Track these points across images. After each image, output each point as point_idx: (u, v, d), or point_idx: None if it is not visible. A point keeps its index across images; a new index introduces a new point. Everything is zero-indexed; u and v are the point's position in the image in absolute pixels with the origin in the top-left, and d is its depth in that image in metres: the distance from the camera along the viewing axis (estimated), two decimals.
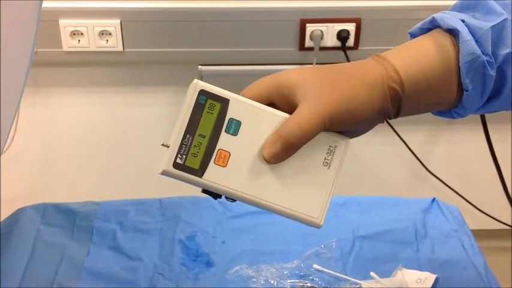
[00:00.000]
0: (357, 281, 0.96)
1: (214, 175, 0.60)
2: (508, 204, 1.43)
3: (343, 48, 1.39)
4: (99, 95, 1.50)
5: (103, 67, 1.46)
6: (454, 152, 1.62)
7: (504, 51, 0.62)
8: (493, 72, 0.62)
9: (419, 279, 0.96)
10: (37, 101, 1.49)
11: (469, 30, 0.62)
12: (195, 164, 0.60)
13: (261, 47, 1.41)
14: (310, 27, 1.37)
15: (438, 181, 1.60)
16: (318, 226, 0.62)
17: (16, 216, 1.07)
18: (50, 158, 1.57)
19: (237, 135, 0.61)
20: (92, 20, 1.35)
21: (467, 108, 0.64)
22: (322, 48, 1.39)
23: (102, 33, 1.37)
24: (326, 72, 0.62)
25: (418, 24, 0.67)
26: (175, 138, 0.59)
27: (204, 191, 0.62)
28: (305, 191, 0.62)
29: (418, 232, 1.06)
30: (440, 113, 0.67)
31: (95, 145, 1.56)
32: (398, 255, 1.02)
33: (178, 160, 0.59)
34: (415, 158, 1.57)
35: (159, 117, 1.51)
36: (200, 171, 0.60)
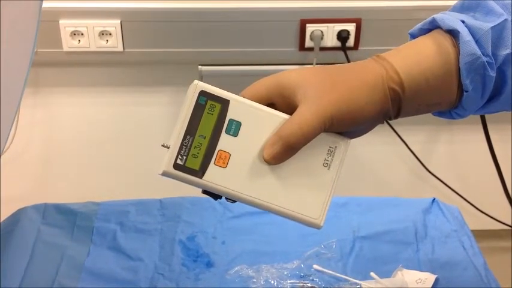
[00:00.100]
0: (357, 281, 0.96)
1: (214, 176, 0.60)
2: (508, 205, 1.43)
3: (344, 48, 1.39)
4: (100, 95, 1.50)
5: (103, 67, 1.46)
6: (454, 152, 1.62)
7: (504, 52, 0.62)
8: (493, 73, 0.62)
9: (420, 279, 0.96)
10: (37, 101, 1.49)
11: (469, 30, 0.62)
12: (196, 165, 0.60)
13: (261, 47, 1.41)
14: (310, 28, 1.37)
15: (438, 181, 1.59)
16: (318, 227, 0.62)
17: (16, 217, 1.07)
18: (50, 158, 1.57)
19: (237, 136, 0.61)
20: (92, 20, 1.35)
21: (467, 109, 0.64)
22: (322, 49, 1.39)
23: (102, 34, 1.37)
24: (326, 72, 0.62)
25: (418, 25, 0.67)
26: (175, 139, 0.60)
27: (204, 191, 0.62)
28: (305, 192, 0.62)
29: (418, 232, 1.06)
30: (440, 114, 0.67)
31: (95, 145, 1.56)
32: (399, 255, 1.02)
33: (178, 161, 0.59)
34: (415, 159, 1.56)
35: (160, 117, 1.51)
36: (200, 172, 0.60)
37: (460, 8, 0.66)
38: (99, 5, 1.35)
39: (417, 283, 0.95)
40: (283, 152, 0.60)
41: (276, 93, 0.62)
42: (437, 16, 0.65)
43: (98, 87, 1.49)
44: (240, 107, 0.61)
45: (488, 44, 0.62)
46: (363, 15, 1.37)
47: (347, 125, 0.61)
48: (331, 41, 1.38)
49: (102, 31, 1.36)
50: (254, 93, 0.62)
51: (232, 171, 0.60)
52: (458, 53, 0.62)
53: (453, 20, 0.63)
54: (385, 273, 0.97)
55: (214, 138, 0.60)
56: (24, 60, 0.84)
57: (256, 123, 0.61)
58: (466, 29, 0.62)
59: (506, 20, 0.63)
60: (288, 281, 0.96)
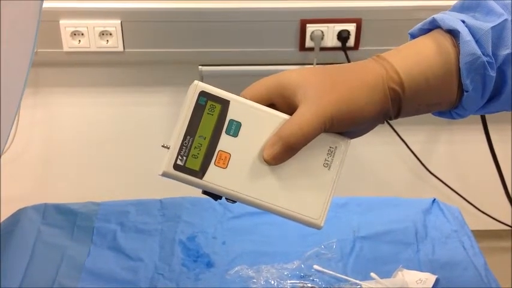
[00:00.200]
0: (357, 281, 0.96)
1: (214, 176, 0.60)
2: (508, 205, 1.43)
3: (344, 48, 1.39)
4: (100, 95, 1.50)
5: (103, 67, 1.46)
6: (454, 152, 1.62)
7: (504, 51, 0.62)
8: (493, 73, 0.62)
9: (420, 279, 0.96)
10: (37, 101, 1.49)
11: (469, 30, 0.62)
12: (196, 165, 0.60)
13: (261, 48, 1.41)
14: (310, 28, 1.37)
15: (438, 181, 1.59)
16: (318, 227, 0.62)
17: (17, 217, 1.07)
18: (50, 158, 1.57)
19: (237, 136, 0.61)
20: (93, 21, 1.35)
21: (467, 109, 0.64)
22: (323, 49, 1.39)
23: (102, 34, 1.37)
24: (326, 73, 0.62)
25: (418, 25, 0.67)
26: (175, 140, 0.59)
27: (205, 192, 0.61)
28: (305, 192, 0.62)
29: (418, 233, 1.06)
30: (440, 114, 0.67)
31: (96, 145, 1.56)
32: (399, 255, 1.02)
33: (178, 162, 0.59)
34: (415, 159, 1.56)
35: (160, 117, 1.51)
36: (200, 173, 0.60)
37: (460, 8, 0.66)
38: (100, 5, 1.35)
39: (417, 283, 0.95)
40: (283, 153, 0.60)
41: (276, 93, 0.62)
42: (438, 16, 0.65)
43: (98, 87, 1.49)
44: (240, 107, 0.61)
45: (489, 44, 0.62)
46: (363, 15, 1.37)
47: (347, 125, 0.61)
48: (331, 41, 1.38)
49: (103, 31, 1.36)
50: (254, 93, 0.62)
51: (233, 171, 0.60)
52: (458, 53, 0.62)
53: (453, 20, 0.63)
54: (386, 274, 0.97)
55: (215, 139, 0.60)
56: (24, 60, 0.84)
57: (257, 123, 0.61)
58: (466, 29, 0.62)
59: (506, 20, 0.63)
60: (288, 281, 0.96)
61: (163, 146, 0.60)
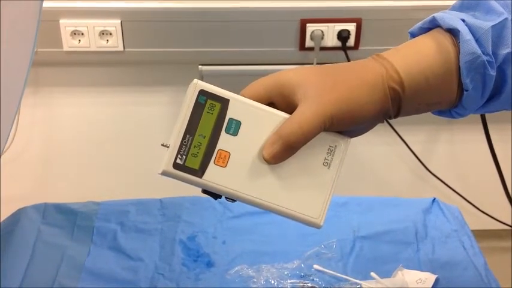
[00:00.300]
0: (357, 281, 0.96)
1: (214, 175, 0.60)
2: (509, 205, 1.43)
3: (344, 48, 1.39)
4: (100, 95, 1.50)
5: (103, 67, 1.46)
6: (454, 152, 1.62)
7: (504, 51, 0.62)
8: (493, 72, 0.62)
9: (420, 279, 0.95)
10: (37, 101, 1.49)
11: (469, 29, 0.62)
12: (195, 164, 0.60)
13: (261, 47, 1.41)
14: (310, 27, 1.37)
15: (438, 181, 1.59)
16: (318, 226, 0.62)
17: (17, 216, 1.07)
18: (50, 158, 1.57)
19: (237, 135, 0.61)
20: (93, 20, 1.35)
21: (467, 108, 0.64)
22: (323, 48, 1.39)
23: (102, 33, 1.37)
24: (326, 72, 0.62)
25: (418, 24, 0.67)
26: (175, 139, 0.59)
27: (204, 191, 0.61)
28: (305, 191, 0.62)
29: (418, 232, 1.06)
30: (440, 113, 0.67)
31: (96, 145, 1.56)
32: (399, 255, 1.02)
33: (178, 160, 0.59)
34: (415, 158, 1.56)
35: (160, 117, 1.51)
36: (200, 172, 0.60)
37: (460, 7, 0.66)
38: (100, 4, 1.35)
39: (417, 283, 0.95)
40: (283, 151, 0.60)
41: (275, 92, 0.62)
42: (438, 15, 0.65)
43: (98, 87, 1.49)
44: (240, 106, 0.61)
45: (489, 43, 0.62)
46: (363, 15, 1.37)
47: (347, 124, 0.61)
48: (331, 40, 1.38)
49: (103, 31, 1.36)
50: (254, 92, 0.62)
51: (232, 170, 0.60)
52: (458, 52, 0.62)
53: (453, 19, 0.63)
54: (386, 273, 0.97)
55: (214, 138, 0.60)
56: (24, 60, 0.84)
57: (256, 122, 0.61)
58: (466, 28, 0.62)
59: (506, 19, 0.62)
60: (289, 281, 0.96)
61: (162, 145, 0.60)
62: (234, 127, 0.61)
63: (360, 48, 1.40)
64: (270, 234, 1.06)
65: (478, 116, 1.36)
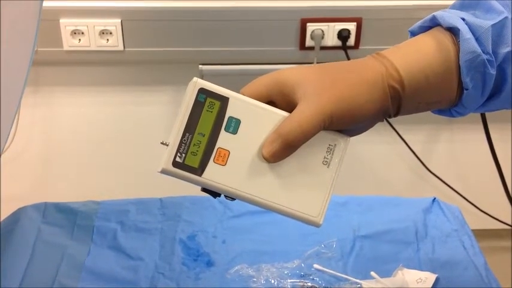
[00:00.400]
0: (358, 280, 0.96)
1: (213, 174, 0.60)
2: (509, 204, 1.43)
3: (344, 47, 1.39)
4: (100, 94, 1.50)
5: (104, 66, 1.46)
6: (454, 151, 1.62)
7: (504, 49, 0.62)
8: (493, 71, 0.62)
9: (420, 279, 0.95)
10: (38, 101, 1.49)
11: (469, 28, 0.62)
12: (195, 162, 0.60)
13: (261, 47, 1.41)
14: (310, 27, 1.37)
15: (439, 181, 1.59)
16: (317, 225, 0.62)
17: (17, 216, 1.07)
18: (50, 157, 1.57)
19: (236, 133, 0.61)
20: (93, 19, 1.35)
21: (467, 107, 0.64)
22: (323, 48, 1.39)
23: (102, 33, 1.37)
24: (326, 70, 0.62)
25: (418, 23, 0.67)
26: (174, 137, 0.59)
27: (204, 189, 0.61)
28: (304, 190, 0.62)
29: (418, 232, 1.06)
30: (440, 112, 0.67)
31: (96, 144, 1.56)
32: (399, 255, 1.02)
33: (177, 159, 0.59)
34: (415, 158, 1.56)
35: (160, 116, 1.51)
36: (199, 170, 0.60)
37: (460, 6, 0.66)
38: (100, 4, 1.35)
39: (417, 282, 0.95)
40: (282, 150, 0.60)
41: (275, 91, 0.62)
42: (438, 14, 0.65)
43: (99, 86, 1.49)
44: (240, 104, 0.61)
45: (489, 42, 0.62)
46: (363, 15, 1.37)
47: (346, 123, 0.61)
48: (331, 40, 1.38)
49: (103, 30, 1.36)
50: (253, 91, 0.62)
51: (232, 169, 0.60)
52: (458, 51, 0.62)
53: (453, 18, 0.63)
54: (386, 273, 0.97)
55: (214, 136, 0.60)
56: (24, 60, 0.84)
57: (256, 120, 0.61)
58: (466, 27, 0.62)
59: (506, 17, 0.62)
60: (289, 281, 0.96)
61: (162, 143, 0.60)
62: (234, 125, 0.61)
63: (360, 47, 1.40)
64: (270, 234, 1.06)
65: (478, 116, 1.36)
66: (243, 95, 0.62)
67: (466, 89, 0.63)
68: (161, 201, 1.13)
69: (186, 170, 0.60)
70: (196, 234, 1.06)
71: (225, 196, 0.62)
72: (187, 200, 1.13)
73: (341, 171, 0.63)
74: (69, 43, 1.37)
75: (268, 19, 1.37)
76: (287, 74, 0.62)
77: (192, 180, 0.60)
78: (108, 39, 1.37)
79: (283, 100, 0.62)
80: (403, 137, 1.51)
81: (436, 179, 1.59)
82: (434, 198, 1.13)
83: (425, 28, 0.66)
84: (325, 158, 0.62)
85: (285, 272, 0.97)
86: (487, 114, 1.35)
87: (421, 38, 0.65)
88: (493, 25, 0.62)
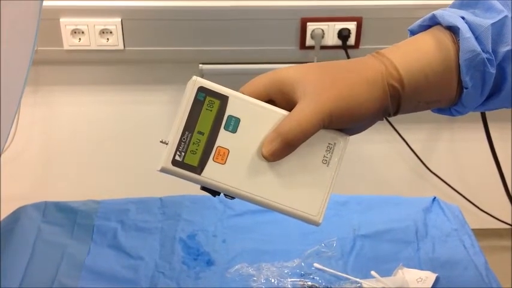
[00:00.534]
0: (358, 280, 0.96)
1: (213, 172, 0.60)
2: (509, 203, 1.43)
3: (344, 47, 1.39)
4: (100, 93, 1.50)
5: (104, 66, 1.46)
6: (454, 150, 1.62)
7: (504, 48, 0.62)
8: (493, 70, 0.62)
9: (420, 278, 0.95)
10: (38, 100, 1.49)
11: (469, 27, 0.62)
12: (194, 161, 0.60)
13: (261, 46, 1.41)
14: (311, 26, 1.37)
15: (439, 180, 1.59)
16: (316, 224, 0.62)
17: (17, 215, 1.07)
18: (50, 157, 1.57)
19: (236, 132, 0.61)
20: (93, 19, 1.35)
21: (466, 106, 0.64)
22: (323, 47, 1.39)
23: (103, 32, 1.37)
24: (325, 69, 0.62)
25: (418, 21, 0.67)
26: (174, 135, 0.59)
27: (203, 188, 0.61)
28: (304, 189, 0.62)
29: (418, 231, 1.06)
30: (439, 111, 0.67)
31: (96, 143, 1.56)
32: (399, 254, 1.02)
33: (177, 157, 0.59)
34: (415, 157, 1.56)
35: (160, 116, 1.51)
36: (199, 169, 0.60)
37: (459, 5, 0.66)
38: (100, 3, 1.35)
39: (418, 282, 0.95)
40: (282, 149, 0.60)
41: (275, 89, 0.62)
42: (437, 12, 0.65)
43: (99, 85, 1.49)
44: (239, 103, 0.61)
45: (488, 41, 0.62)
46: (363, 14, 1.37)
47: (346, 121, 0.61)
48: (332, 39, 1.38)
49: (103, 29, 1.36)
50: (253, 89, 0.62)
51: (231, 167, 0.60)
52: (458, 50, 0.62)
53: (453, 17, 0.63)
54: (386, 272, 0.97)
55: (213, 135, 0.60)
56: (24, 60, 0.84)
57: (255, 119, 0.61)
58: (466, 26, 0.62)
59: (506, 16, 0.62)
60: (289, 280, 0.96)
61: (161, 142, 0.60)
62: (233, 124, 0.60)
63: (360, 47, 1.40)
64: (271, 233, 1.06)
65: (478, 115, 1.36)
66: (243, 93, 0.62)
67: (466, 88, 0.63)
68: (161, 200, 1.13)
69: (186, 168, 0.60)
70: (197, 234, 1.06)
71: (225, 195, 0.62)
72: (187, 199, 1.13)
73: (341, 170, 0.63)
74: (69, 42, 1.37)
75: (269, 18, 1.37)
76: (286, 72, 0.62)
77: (191, 179, 0.60)
78: (108, 39, 1.37)
79: (282, 99, 0.62)
80: (403, 136, 1.51)
81: (436, 178, 1.59)
82: (435, 198, 1.13)
83: (425, 27, 0.66)
84: (324, 156, 0.62)
85: (285, 271, 0.97)
86: (487, 113, 1.35)
87: (421, 36, 0.65)
88: (492, 24, 0.62)
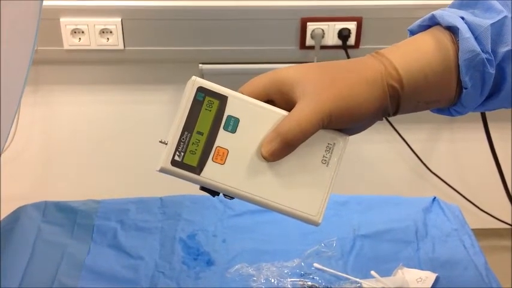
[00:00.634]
0: (358, 280, 0.96)
1: (212, 173, 0.60)
2: (509, 203, 1.43)
3: (344, 47, 1.39)
4: (100, 93, 1.50)
5: (104, 65, 1.46)
6: (455, 150, 1.62)
7: (504, 48, 0.62)
8: (492, 70, 0.62)
9: (420, 278, 0.95)
10: (38, 100, 1.49)
11: (468, 27, 0.62)
12: (193, 161, 0.60)
13: (261, 46, 1.41)
14: (311, 26, 1.37)
15: (439, 180, 1.59)
16: (316, 224, 0.62)
17: (17, 215, 1.07)
18: (50, 156, 1.57)
19: (235, 132, 0.61)
20: (93, 18, 1.35)
21: (466, 106, 0.64)
22: (323, 47, 1.39)
23: (103, 32, 1.37)
24: (325, 69, 0.62)
25: (418, 21, 0.67)
26: (173, 136, 0.59)
27: (202, 188, 0.61)
28: (303, 189, 0.62)
29: (418, 231, 1.06)
30: (439, 111, 0.67)
31: (96, 143, 1.56)
32: (399, 254, 1.02)
33: (176, 157, 0.59)
34: (416, 157, 1.56)
35: (160, 115, 1.51)
36: (198, 169, 0.60)
37: (459, 5, 0.66)
38: (100, 3, 1.35)
39: (418, 282, 0.95)
40: (281, 149, 0.60)
41: (274, 89, 0.62)
42: (437, 12, 0.65)
43: (99, 85, 1.49)
44: (238, 103, 0.61)
45: (488, 41, 0.62)
46: (364, 14, 1.37)
47: (346, 121, 0.61)
48: (332, 39, 1.38)
49: (103, 29, 1.36)
50: (252, 89, 0.62)
51: (230, 167, 0.60)
52: (457, 50, 0.62)
53: (453, 17, 0.63)
54: (386, 272, 0.97)
55: (212, 135, 0.60)
56: (24, 60, 0.84)
57: (255, 119, 0.61)
58: (465, 26, 0.62)
59: (506, 16, 0.62)
60: (289, 280, 0.96)
61: (161, 142, 0.60)
62: (233, 124, 0.60)
63: (360, 47, 1.40)
64: (271, 233, 1.06)
65: (478, 115, 1.36)
66: (242, 93, 0.62)
67: (465, 88, 0.63)
68: (161, 200, 1.13)
69: (185, 168, 0.60)
70: (197, 233, 1.06)
71: (224, 195, 0.62)
72: (187, 199, 1.13)
73: (340, 170, 0.63)
74: (69, 42, 1.37)
75: (269, 18, 1.37)
76: (286, 72, 0.62)
77: (190, 179, 0.60)
78: (108, 38, 1.37)
79: (282, 99, 0.62)
80: (403, 136, 1.51)
81: (436, 178, 1.59)
82: (435, 198, 1.13)
83: (424, 27, 0.66)
84: (324, 156, 0.62)
85: (285, 271, 0.97)
86: (487, 114, 1.35)
87: (420, 37, 0.65)
88: (492, 24, 0.62)
